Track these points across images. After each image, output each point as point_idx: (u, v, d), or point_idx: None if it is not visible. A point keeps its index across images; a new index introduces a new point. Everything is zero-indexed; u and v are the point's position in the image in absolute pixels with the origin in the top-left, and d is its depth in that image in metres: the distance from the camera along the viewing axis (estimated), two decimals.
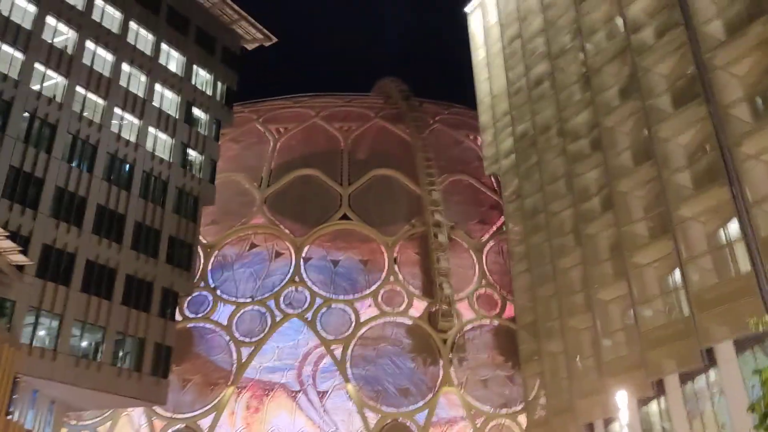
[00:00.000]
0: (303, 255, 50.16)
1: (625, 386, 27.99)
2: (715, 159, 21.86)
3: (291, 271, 49.27)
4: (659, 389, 26.03)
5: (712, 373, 23.05)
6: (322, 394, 61.68)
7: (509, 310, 48.71)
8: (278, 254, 50.55)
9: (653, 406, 27.37)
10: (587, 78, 32.68)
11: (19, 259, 31.14)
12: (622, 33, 28.50)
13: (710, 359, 22.55)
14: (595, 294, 30.08)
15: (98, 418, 44.45)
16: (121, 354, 37.30)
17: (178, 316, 44.23)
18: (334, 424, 61.37)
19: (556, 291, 35.64)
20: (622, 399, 18.39)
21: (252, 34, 53.69)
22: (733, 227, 21.72)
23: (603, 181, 31.02)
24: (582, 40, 32.00)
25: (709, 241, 22.94)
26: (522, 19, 41.40)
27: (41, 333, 34.19)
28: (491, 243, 52.28)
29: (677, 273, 25.04)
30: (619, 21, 29.05)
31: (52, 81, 38.14)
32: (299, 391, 61.75)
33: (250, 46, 54.83)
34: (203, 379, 46.09)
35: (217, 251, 50.23)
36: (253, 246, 51.02)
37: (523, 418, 45.21)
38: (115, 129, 40.53)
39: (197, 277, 47.24)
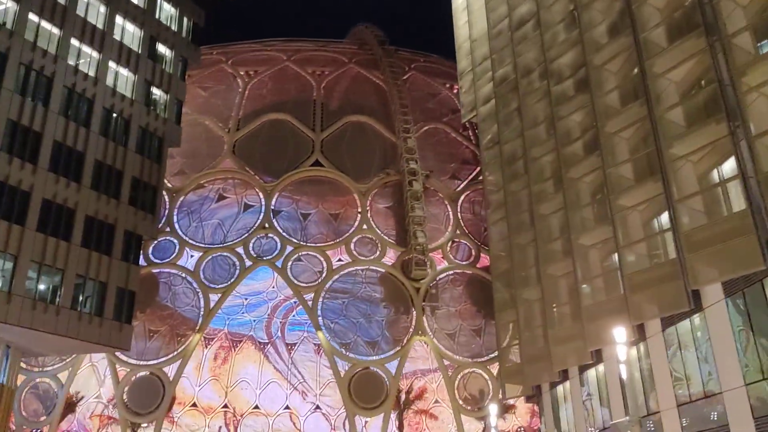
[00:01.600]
0: (273, 205, 48.53)
1: (605, 332, 27.51)
2: (712, 94, 20.81)
3: (260, 217, 47.71)
4: (640, 335, 25.44)
5: (697, 318, 22.45)
6: (290, 347, 61.00)
7: (483, 261, 48.10)
8: (247, 205, 48.83)
9: (632, 353, 26.86)
10: (574, 16, 31.27)
11: None
12: None
13: (696, 303, 21.89)
14: (576, 239, 29.24)
15: (58, 365, 42.88)
16: (81, 298, 35.66)
17: (142, 262, 42.62)
18: (302, 375, 60.89)
19: (533, 238, 34.84)
20: (619, 334, 17.44)
21: None
22: (727, 166, 20.84)
23: (587, 123, 29.94)
24: None
25: (701, 182, 22.07)
26: None
27: None
28: (467, 193, 51.28)
29: (664, 216, 24.24)
30: None
31: (2, 6, 35.41)
32: (267, 344, 60.94)
33: None
34: (170, 330, 44.71)
35: (183, 196, 48.29)
36: (221, 196, 49.18)
37: (495, 368, 45.00)
38: (72, 62, 38.07)
39: (163, 221, 45.48)
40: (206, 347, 57.81)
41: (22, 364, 40.81)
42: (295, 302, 58.82)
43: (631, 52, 26.35)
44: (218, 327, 57.42)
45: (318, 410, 59.73)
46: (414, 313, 45.52)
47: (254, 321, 59.69)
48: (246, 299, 56.27)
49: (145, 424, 43.47)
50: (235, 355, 59.96)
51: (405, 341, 44.96)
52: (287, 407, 59.90)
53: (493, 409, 23.29)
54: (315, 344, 60.07)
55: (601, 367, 29.49)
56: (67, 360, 42.94)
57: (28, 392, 42.28)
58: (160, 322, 45.10)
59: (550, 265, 32.58)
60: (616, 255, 27.52)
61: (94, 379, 51.78)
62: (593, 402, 30.69)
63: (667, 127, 22.91)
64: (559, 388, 34.61)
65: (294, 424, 59.59)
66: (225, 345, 59.94)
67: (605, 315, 27.14)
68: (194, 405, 58.33)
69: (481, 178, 51.02)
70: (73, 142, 36.78)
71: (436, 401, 54.23)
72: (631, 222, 25.79)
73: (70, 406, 47.25)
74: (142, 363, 43.33)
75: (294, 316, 59.61)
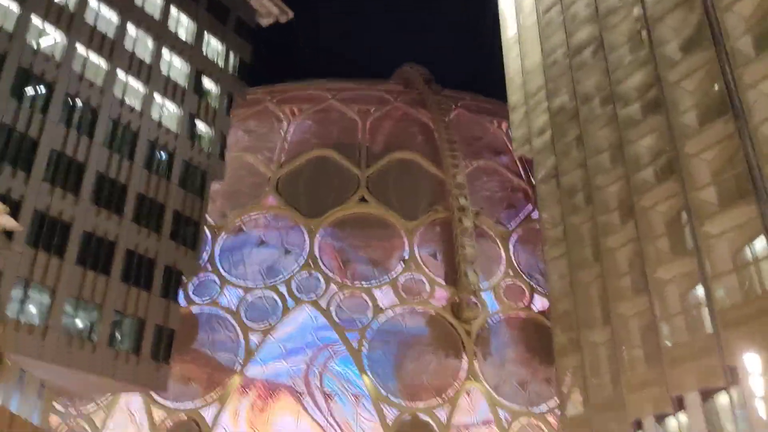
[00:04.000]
0: (317, 243, 46.82)
1: (689, 376, 24.63)
2: None
3: (304, 255, 45.94)
4: (733, 378, 22.44)
5: None
6: (328, 397, 58.35)
7: (538, 303, 45.32)
8: (290, 246, 47.18)
9: (723, 400, 23.82)
10: (641, 36, 29.42)
11: (8, 223, 28.00)
12: None
13: None
14: (651, 273, 26.60)
15: (93, 407, 41.11)
16: (118, 335, 34.13)
17: (182, 301, 41.14)
18: (340, 428, 57.99)
19: (598, 275, 32.23)
20: (752, 362, 14.24)
21: (267, 8, 50.78)
22: None
23: (660, 146, 27.71)
24: None
25: None
26: None
27: (30, 308, 31.05)
28: (519, 231, 48.82)
29: (759, 242, 21.69)
30: None
31: (51, 38, 35.20)
32: (305, 393, 58.42)
33: (264, 22, 51.92)
34: (207, 378, 42.76)
35: (225, 233, 46.97)
36: (262, 240, 47.72)
37: (553, 418, 41.72)
38: (118, 94, 37.55)
39: (204, 259, 44.09)
40: (243, 396, 55.61)
41: (57, 406, 39.28)
42: (334, 352, 56.47)
43: (710, 67, 24.29)
44: (255, 376, 55.34)
45: None
46: (465, 357, 42.69)
47: (292, 370, 57.45)
48: (284, 346, 54.21)
49: None
50: (273, 404, 57.63)
51: (456, 388, 42.01)
52: None
53: None
54: (353, 395, 57.36)
55: (683, 417, 26.39)
56: (102, 402, 41.14)
57: None
58: (198, 369, 43.18)
59: (620, 303, 29.84)
60: (699, 289, 24.92)
61: (132, 428, 49.92)
62: None
63: (763, 144, 20.54)
64: None
65: None
66: (262, 394, 57.72)
67: (690, 357, 24.34)
68: None
69: (534, 215, 48.82)
70: (116, 174, 35.92)
71: None
72: (718, 251, 23.17)
73: None
74: (179, 407, 41.26)
75: (333, 364, 57.22)
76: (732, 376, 22.43)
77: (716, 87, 24.00)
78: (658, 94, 27.46)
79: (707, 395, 24.63)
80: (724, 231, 23.12)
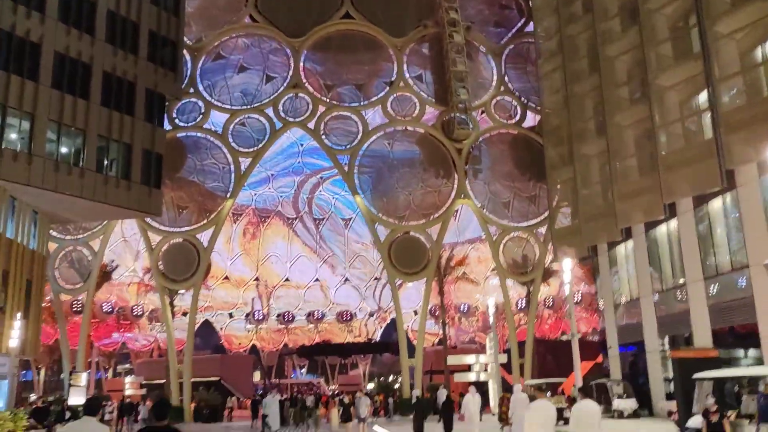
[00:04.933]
0: (301, 62, 44.73)
1: (684, 182, 24.82)
2: None
3: (289, 75, 44.20)
4: (729, 183, 22.57)
5: None
6: (317, 222, 59.51)
7: (529, 120, 44.74)
8: (273, 68, 45.07)
9: (716, 204, 24.22)
10: None
11: None
12: None
13: None
14: (653, 80, 25.83)
15: (89, 233, 41.50)
16: (106, 161, 33.43)
17: (167, 126, 40.02)
18: (330, 250, 59.84)
19: (595, 86, 31.46)
20: None
21: None
22: None
23: None
24: None
25: None
26: None
27: (11, 135, 29.95)
28: (511, 46, 46.92)
29: None
30: None
31: None
32: (295, 219, 59.46)
33: None
34: (199, 206, 42.73)
35: (205, 55, 44.71)
36: (242, 66, 45.35)
37: (540, 233, 42.93)
38: None
39: (185, 82, 42.29)
40: (234, 223, 56.50)
41: (54, 233, 39.59)
42: (321, 178, 56.66)
43: None
44: (245, 203, 55.80)
45: (347, 282, 59.27)
46: (456, 176, 42.85)
47: (281, 196, 57.92)
48: (272, 172, 54.15)
49: (182, 291, 42.65)
50: (264, 230, 58.83)
51: (447, 206, 42.64)
52: (317, 280, 59.48)
53: (567, 264, 21.07)
54: (342, 219, 58.52)
55: (673, 223, 27.06)
56: (97, 229, 41.44)
57: (62, 260, 41.29)
58: (189, 197, 43.06)
59: (617, 113, 29.42)
60: (701, 96, 24.34)
61: (128, 254, 51.04)
62: (662, 260, 28.54)
63: None
64: (619, 248, 32.48)
65: (324, 295, 59.42)
66: (253, 221, 58.67)
67: (686, 163, 24.35)
68: (226, 278, 58.07)
69: (527, 29, 46.72)
70: None
71: (476, 267, 53.09)
72: (727, 52, 22.27)
73: (106, 276, 46.74)
74: (175, 230, 41.77)
75: (322, 189, 57.73)
76: (728, 181, 22.59)
77: None
78: None
79: (699, 202, 25.06)
80: (735, 30, 22.06)
